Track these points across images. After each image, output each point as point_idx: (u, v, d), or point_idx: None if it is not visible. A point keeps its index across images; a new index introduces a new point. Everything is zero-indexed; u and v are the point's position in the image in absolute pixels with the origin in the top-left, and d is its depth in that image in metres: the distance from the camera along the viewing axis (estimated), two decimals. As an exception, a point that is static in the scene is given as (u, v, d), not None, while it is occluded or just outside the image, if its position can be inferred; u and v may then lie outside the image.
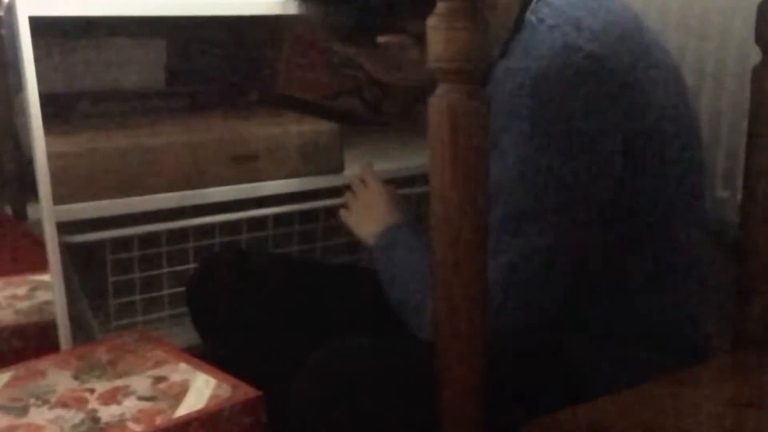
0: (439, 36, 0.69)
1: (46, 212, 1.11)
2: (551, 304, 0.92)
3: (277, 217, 1.33)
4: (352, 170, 1.29)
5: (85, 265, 1.33)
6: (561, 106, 0.86)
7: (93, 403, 1.00)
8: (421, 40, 0.86)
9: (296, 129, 1.30)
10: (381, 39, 1.02)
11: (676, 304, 0.98)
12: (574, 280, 0.92)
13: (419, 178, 1.35)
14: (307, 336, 1.08)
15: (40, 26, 1.07)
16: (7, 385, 1.05)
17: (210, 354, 1.18)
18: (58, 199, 1.11)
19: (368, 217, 1.13)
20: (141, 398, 1.01)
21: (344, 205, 1.19)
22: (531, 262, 0.89)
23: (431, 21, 0.70)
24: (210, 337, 1.21)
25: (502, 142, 0.88)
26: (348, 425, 0.86)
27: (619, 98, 0.88)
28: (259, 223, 1.32)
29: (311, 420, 0.88)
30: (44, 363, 1.10)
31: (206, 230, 1.29)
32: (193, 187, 1.21)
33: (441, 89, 0.71)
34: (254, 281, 1.19)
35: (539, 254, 0.89)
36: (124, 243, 1.22)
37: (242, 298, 1.18)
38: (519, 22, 0.93)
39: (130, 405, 0.99)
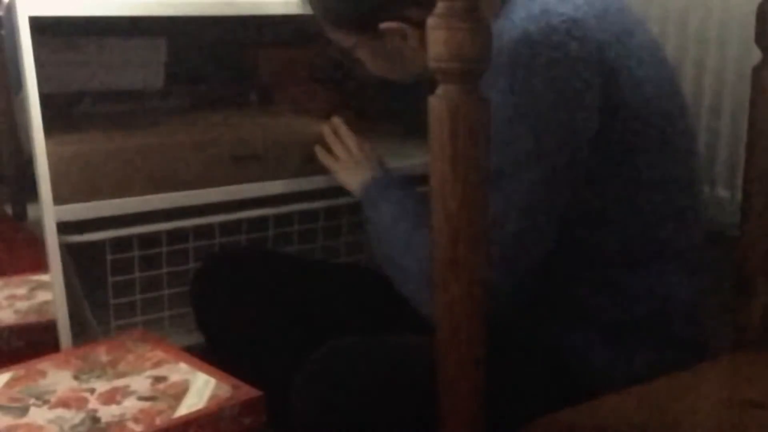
0: (439, 36, 0.69)
1: (46, 212, 1.11)
2: (525, 265, 0.92)
3: (277, 217, 1.32)
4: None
5: (85, 265, 1.32)
6: (538, 65, 0.87)
7: (93, 403, 1.00)
8: (421, 28, 0.87)
9: (296, 129, 1.30)
10: (383, 26, 1.02)
11: (664, 289, 0.98)
12: (551, 245, 0.93)
13: (419, 178, 1.34)
14: (307, 335, 1.08)
15: (40, 26, 1.07)
16: (7, 385, 1.05)
17: (211, 353, 1.18)
18: (58, 199, 1.11)
19: (354, 167, 1.20)
20: (141, 398, 1.01)
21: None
22: (507, 218, 0.90)
23: (431, 21, 0.70)
24: (212, 336, 1.21)
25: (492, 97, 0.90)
26: (348, 425, 0.86)
27: (596, 62, 0.90)
28: (259, 223, 1.32)
29: (312, 419, 0.88)
30: (44, 363, 1.10)
31: (206, 230, 1.28)
32: (193, 187, 1.21)
33: (441, 89, 0.71)
34: (256, 280, 1.19)
35: (514, 211, 0.90)
36: (124, 243, 1.22)
37: (244, 297, 1.18)
38: None
39: (130, 405, 0.99)
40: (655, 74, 0.95)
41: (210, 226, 1.28)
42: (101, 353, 1.13)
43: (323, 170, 1.27)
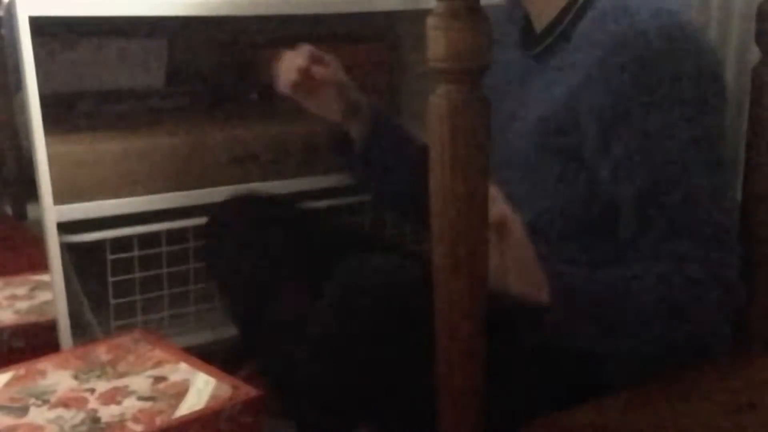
0: (439, 36, 0.69)
1: (46, 212, 1.11)
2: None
3: (277, 217, 1.32)
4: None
5: (85, 265, 1.33)
6: (697, 60, 0.87)
7: (93, 403, 1.00)
8: None
9: (296, 129, 1.31)
10: None
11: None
12: None
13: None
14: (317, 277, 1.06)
15: (40, 26, 1.07)
16: (7, 385, 1.05)
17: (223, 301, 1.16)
18: (58, 199, 1.11)
19: (522, 271, 0.84)
20: (141, 398, 1.01)
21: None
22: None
23: (431, 21, 0.70)
24: (224, 281, 1.18)
25: (639, 105, 0.87)
26: (373, 336, 0.86)
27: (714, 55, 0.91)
28: (259, 223, 1.32)
29: (341, 329, 0.88)
30: (44, 363, 1.10)
31: (206, 230, 1.28)
32: (193, 187, 1.21)
33: (441, 89, 0.71)
34: (266, 224, 1.14)
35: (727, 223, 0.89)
36: (124, 243, 1.22)
37: (254, 241, 1.14)
38: None
39: (130, 405, 0.99)
40: None
41: (210, 226, 1.28)
42: (101, 353, 1.13)
43: (323, 170, 1.27)
